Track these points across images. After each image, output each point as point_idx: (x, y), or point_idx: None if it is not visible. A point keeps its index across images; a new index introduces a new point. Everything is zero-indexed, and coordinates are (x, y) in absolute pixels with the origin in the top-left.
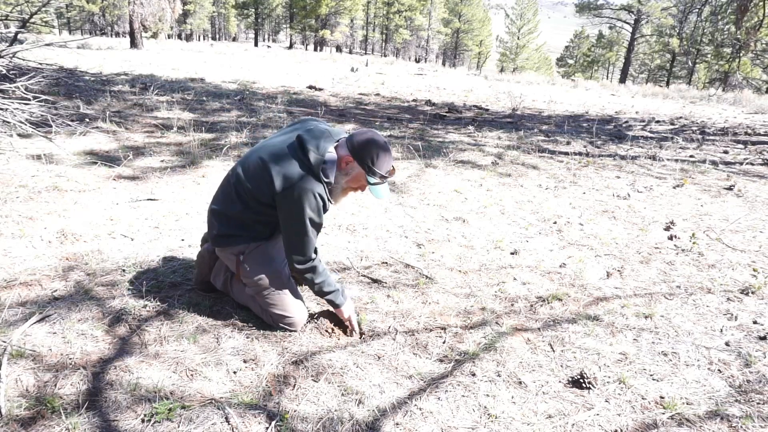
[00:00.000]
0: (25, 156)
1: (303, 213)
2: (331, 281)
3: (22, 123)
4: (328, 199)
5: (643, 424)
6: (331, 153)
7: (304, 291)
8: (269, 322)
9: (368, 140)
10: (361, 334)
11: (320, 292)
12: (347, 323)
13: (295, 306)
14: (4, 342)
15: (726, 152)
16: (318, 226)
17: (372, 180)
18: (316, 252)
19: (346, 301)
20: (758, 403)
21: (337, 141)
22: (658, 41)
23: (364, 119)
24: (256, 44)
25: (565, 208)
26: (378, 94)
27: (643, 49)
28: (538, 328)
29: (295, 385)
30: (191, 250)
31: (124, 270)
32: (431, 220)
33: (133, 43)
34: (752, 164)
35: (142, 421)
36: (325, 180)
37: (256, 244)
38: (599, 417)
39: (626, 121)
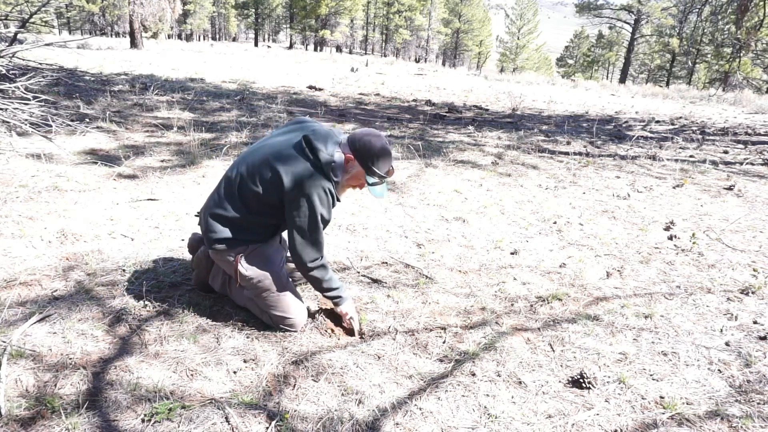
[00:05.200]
0: (25, 156)
1: (315, 210)
2: (335, 278)
3: (22, 123)
4: (336, 197)
5: (643, 424)
6: (339, 154)
7: (303, 291)
8: (269, 323)
9: (370, 140)
10: (362, 334)
11: (324, 290)
12: (347, 323)
13: (295, 307)
14: (4, 342)
15: (726, 152)
16: (327, 223)
17: (371, 180)
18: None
19: (348, 299)
20: (758, 403)
21: (339, 141)
22: (658, 41)
23: (364, 119)
24: (256, 44)
25: (565, 208)
26: (378, 94)
27: (643, 49)
28: (538, 328)
29: (295, 385)
30: None
31: (124, 270)
32: (431, 220)
33: (133, 43)
34: (752, 164)
35: (142, 420)
36: (334, 179)
37: (253, 246)
38: (599, 417)
39: (626, 121)
